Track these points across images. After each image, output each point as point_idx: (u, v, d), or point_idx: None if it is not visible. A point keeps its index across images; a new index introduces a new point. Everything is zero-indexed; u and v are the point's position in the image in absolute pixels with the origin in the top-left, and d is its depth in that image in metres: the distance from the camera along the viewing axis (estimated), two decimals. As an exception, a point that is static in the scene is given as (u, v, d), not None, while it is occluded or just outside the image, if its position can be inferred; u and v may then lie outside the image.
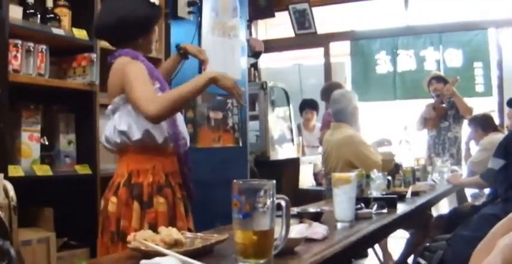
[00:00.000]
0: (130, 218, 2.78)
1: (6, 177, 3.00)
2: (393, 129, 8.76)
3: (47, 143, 3.87)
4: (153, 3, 3.01)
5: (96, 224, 3.90)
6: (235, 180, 1.64)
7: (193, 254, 1.76)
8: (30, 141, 3.68)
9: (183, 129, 3.05)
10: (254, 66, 8.66)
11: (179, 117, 3.04)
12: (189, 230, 2.78)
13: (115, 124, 2.91)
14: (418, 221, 4.55)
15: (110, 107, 3.00)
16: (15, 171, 3.45)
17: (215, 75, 2.89)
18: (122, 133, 2.88)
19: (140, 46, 3.05)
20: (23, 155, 3.64)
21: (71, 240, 3.95)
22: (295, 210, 2.70)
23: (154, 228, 2.35)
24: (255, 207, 1.60)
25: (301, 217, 2.56)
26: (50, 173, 3.71)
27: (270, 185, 1.63)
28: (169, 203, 2.87)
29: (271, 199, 1.63)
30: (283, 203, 1.69)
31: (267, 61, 9.60)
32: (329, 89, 6.72)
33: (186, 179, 3.05)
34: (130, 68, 2.84)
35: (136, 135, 2.85)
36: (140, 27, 3.02)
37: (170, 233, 1.92)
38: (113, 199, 2.84)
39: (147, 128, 2.84)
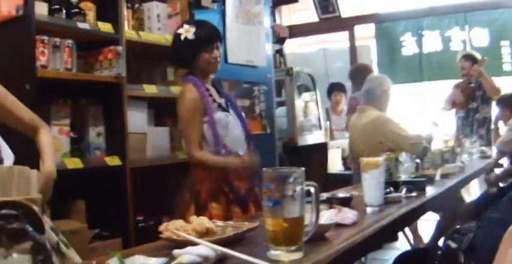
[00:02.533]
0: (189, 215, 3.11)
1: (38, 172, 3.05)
2: (421, 111, 8.68)
3: (76, 136, 3.91)
4: (185, 39, 3.46)
5: (127, 214, 3.96)
6: (264, 169, 1.66)
7: (224, 242, 1.78)
8: (60, 135, 3.72)
9: (237, 144, 3.50)
10: (279, 52, 8.64)
11: (234, 131, 3.50)
12: None
13: None
14: (447, 203, 4.53)
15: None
16: (45, 164, 3.49)
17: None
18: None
19: (198, 68, 3.51)
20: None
21: (103, 231, 3.99)
22: (324, 195, 2.71)
23: None
24: (284, 194, 1.61)
25: (330, 203, 2.56)
26: (81, 165, 3.75)
27: (299, 172, 1.64)
28: (223, 207, 3.34)
29: (301, 186, 1.64)
30: (312, 190, 1.70)
31: (292, 47, 9.58)
32: (357, 70, 6.71)
33: (236, 187, 3.45)
34: (184, 104, 3.42)
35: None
36: (185, 61, 3.54)
37: (201, 221, 1.94)
38: (185, 194, 3.43)
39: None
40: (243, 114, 3.69)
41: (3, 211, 1.43)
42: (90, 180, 3.92)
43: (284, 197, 1.62)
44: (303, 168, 1.66)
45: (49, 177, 2.34)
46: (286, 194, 1.62)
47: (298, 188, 1.63)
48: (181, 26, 3.54)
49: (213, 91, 3.55)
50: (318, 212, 1.73)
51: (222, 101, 3.56)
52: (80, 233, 3.65)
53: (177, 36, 3.51)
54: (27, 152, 2.46)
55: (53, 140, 2.54)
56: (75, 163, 3.72)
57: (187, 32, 3.47)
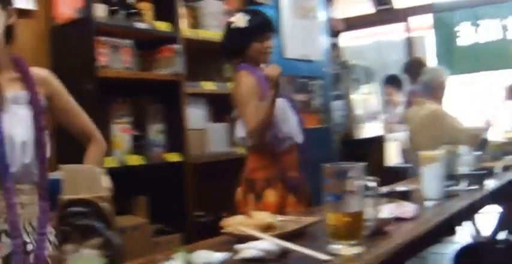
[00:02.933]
0: (248, 206, 3.25)
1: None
2: (477, 102, 8.55)
3: (137, 133, 3.99)
4: (237, 29, 3.39)
5: (187, 209, 4.02)
6: (325, 164, 1.68)
7: (286, 236, 1.78)
8: (121, 133, 3.81)
9: (293, 129, 3.39)
10: (335, 45, 8.61)
11: (290, 118, 3.38)
12: None
13: (239, 130, 3.40)
14: (510, 195, 4.48)
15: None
16: (109, 162, 3.57)
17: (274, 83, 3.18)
18: (241, 139, 3.40)
19: (251, 58, 3.42)
20: (115, 146, 3.77)
21: (164, 227, 4.06)
22: (383, 189, 2.71)
23: None
24: (345, 189, 1.63)
25: (389, 196, 2.57)
26: (142, 162, 3.83)
27: (359, 167, 1.66)
28: (278, 194, 3.28)
29: (361, 181, 1.65)
30: (372, 185, 1.72)
31: (347, 39, 9.54)
32: (411, 63, 6.66)
33: (290, 174, 3.36)
34: (241, 87, 3.31)
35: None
36: (236, 50, 3.45)
37: (263, 217, 1.97)
38: (239, 189, 3.39)
39: None
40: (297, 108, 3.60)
41: (74, 209, 1.49)
42: (151, 177, 4.00)
43: (344, 192, 1.63)
44: (362, 163, 1.68)
45: None
46: (347, 189, 1.63)
47: (358, 183, 1.64)
48: (234, 14, 3.50)
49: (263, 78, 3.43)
50: (378, 206, 1.75)
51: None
52: (142, 228, 3.74)
53: (228, 24, 3.46)
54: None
55: (101, 155, 2.55)
56: (136, 160, 3.81)
57: (240, 20, 3.41)
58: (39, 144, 2.24)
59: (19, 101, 2.25)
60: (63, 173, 1.62)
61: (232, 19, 3.44)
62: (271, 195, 3.26)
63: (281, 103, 3.32)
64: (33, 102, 2.28)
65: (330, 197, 1.65)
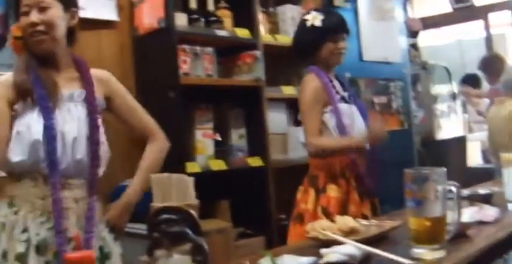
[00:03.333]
0: (307, 202, 3.22)
1: (185, 174, 3.21)
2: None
3: (219, 138, 4.05)
4: (312, 27, 3.33)
5: (270, 213, 4.06)
6: (406, 170, 1.69)
7: (369, 241, 1.80)
8: (204, 139, 3.89)
9: (362, 131, 3.31)
10: (414, 46, 8.53)
11: (358, 123, 3.33)
12: (363, 216, 3.01)
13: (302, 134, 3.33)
14: None
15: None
16: (192, 167, 3.66)
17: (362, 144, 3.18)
18: (304, 144, 3.33)
19: (321, 59, 3.36)
20: (198, 151, 3.86)
21: (247, 230, 4.11)
22: (465, 192, 2.69)
23: (326, 210, 3.10)
24: (426, 194, 1.64)
25: (471, 200, 2.55)
26: (225, 167, 3.90)
27: (441, 172, 1.65)
28: (342, 190, 3.20)
29: (442, 186, 1.65)
30: (454, 189, 1.72)
31: (426, 39, 9.43)
32: (488, 60, 6.56)
33: (359, 173, 3.29)
34: (305, 92, 3.28)
35: None
36: (308, 49, 3.37)
37: (346, 221, 1.99)
38: (300, 188, 3.34)
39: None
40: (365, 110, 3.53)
41: (165, 216, 1.55)
42: (233, 181, 4.05)
43: (426, 197, 1.64)
44: (444, 169, 1.68)
45: (125, 207, 2.45)
46: (429, 194, 1.64)
47: (439, 188, 1.64)
48: (308, 13, 3.42)
49: (336, 84, 3.41)
50: (460, 211, 1.74)
51: (346, 94, 3.41)
52: (225, 232, 3.78)
53: (303, 22, 3.39)
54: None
55: (160, 154, 2.62)
56: (219, 165, 3.87)
57: (315, 18, 3.33)
58: (92, 141, 2.32)
59: (75, 98, 2.35)
60: (153, 181, 1.69)
61: (307, 17, 3.38)
62: (333, 190, 3.20)
63: (348, 109, 3.31)
64: (88, 100, 2.36)
65: (412, 203, 1.66)
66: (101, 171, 2.43)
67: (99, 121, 2.39)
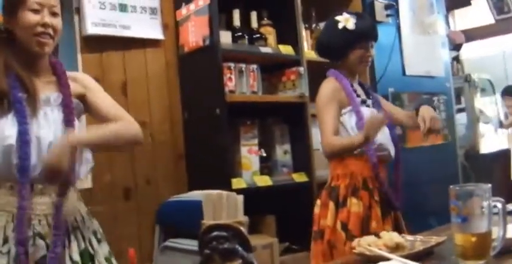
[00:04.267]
0: (326, 217, 3.06)
1: (230, 190, 3.25)
2: None
3: (264, 154, 4.08)
4: (344, 29, 3.17)
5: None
6: (451, 186, 1.70)
7: (414, 256, 1.81)
8: (249, 155, 3.92)
9: (386, 140, 3.18)
10: (456, 59, 8.49)
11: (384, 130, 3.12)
12: None
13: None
14: None
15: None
16: (238, 183, 3.71)
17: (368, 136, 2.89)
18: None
19: (348, 65, 3.24)
20: (244, 167, 3.90)
21: (292, 245, 4.13)
22: (510, 207, 2.68)
23: (346, 226, 2.92)
24: (472, 210, 1.65)
25: (517, 215, 2.53)
26: (270, 182, 3.92)
27: (485, 188, 1.67)
28: (364, 204, 3.02)
29: (488, 201, 1.67)
30: (499, 205, 1.72)
31: (469, 51, 9.37)
32: None
33: (382, 185, 3.12)
34: (321, 93, 3.16)
35: None
36: (337, 52, 3.22)
37: (392, 237, 2.01)
38: (318, 201, 3.19)
39: None
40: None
41: (215, 233, 1.59)
42: (279, 196, 4.07)
43: (471, 213, 1.66)
44: (489, 185, 1.69)
45: (63, 146, 2.15)
46: (474, 210, 1.66)
47: (485, 204, 1.66)
48: (340, 14, 3.24)
49: (358, 88, 3.28)
50: (505, 226, 1.74)
51: (370, 102, 3.28)
52: (271, 247, 3.81)
53: (334, 23, 3.20)
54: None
55: (120, 128, 2.40)
56: (264, 181, 3.91)
57: (347, 21, 3.17)
58: None
59: (51, 102, 2.29)
60: (204, 198, 1.73)
61: (339, 18, 3.20)
62: (354, 205, 3.01)
63: (370, 113, 3.14)
64: (65, 103, 2.30)
65: (457, 219, 1.67)
66: (80, 175, 2.36)
67: (76, 125, 2.33)
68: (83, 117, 2.56)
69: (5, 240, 2.14)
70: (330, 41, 3.22)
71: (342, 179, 3.10)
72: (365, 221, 2.99)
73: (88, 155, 2.38)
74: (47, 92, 2.30)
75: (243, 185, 3.73)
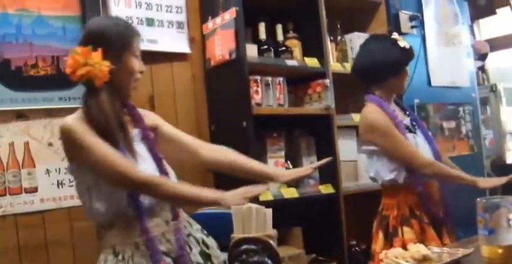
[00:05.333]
0: (376, 243, 3.28)
1: (257, 202, 3.27)
2: None
3: (291, 166, 4.09)
4: (404, 48, 3.30)
5: (341, 239, 4.08)
6: (478, 199, 1.72)
7: None
8: (276, 167, 3.93)
9: None
10: (481, 68, 8.45)
11: (421, 149, 3.31)
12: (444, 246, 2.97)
13: (375, 168, 3.37)
14: None
15: (364, 147, 3.45)
16: (265, 196, 3.69)
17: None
18: (372, 178, 3.44)
19: (392, 85, 3.36)
20: (270, 180, 3.89)
21: (319, 256, 4.14)
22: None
23: None
24: (498, 223, 1.67)
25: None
26: (296, 194, 3.93)
27: None
28: (416, 231, 3.16)
29: None
30: None
31: (494, 61, 9.33)
32: None
33: (433, 207, 3.28)
34: (377, 120, 3.28)
35: (380, 179, 3.36)
36: (391, 70, 3.31)
37: (418, 249, 2.02)
38: (374, 222, 3.37)
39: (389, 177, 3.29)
40: (430, 134, 3.52)
41: (245, 246, 1.62)
42: (305, 208, 4.08)
43: (498, 225, 1.67)
44: (515, 196, 1.71)
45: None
46: (501, 222, 1.67)
47: (511, 216, 1.68)
48: (391, 34, 3.46)
49: (397, 110, 3.43)
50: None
51: (408, 120, 3.42)
52: (297, 258, 3.81)
53: (392, 41, 3.34)
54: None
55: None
56: (291, 193, 3.91)
57: (401, 40, 3.34)
58: (161, 172, 2.41)
59: (135, 139, 2.42)
60: (233, 212, 1.75)
61: (396, 37, 3.38)
62: (406, 233, 3.17)
63: (412, 139, 3.30)
64: (146, 136, 2.46)
65: (485, 231, 1.69)
66: None
67: (160, 155, 2.47)
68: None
69: None
70: (387, 58, 3.29)
71: (391, 209, 3.28)
72: (423, 243, 3.06)
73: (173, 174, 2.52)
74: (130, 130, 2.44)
75: (270, 197, 3.74)
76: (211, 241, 2.59)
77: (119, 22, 2.48)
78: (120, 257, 2.30)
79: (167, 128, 2.68)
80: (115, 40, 2.37)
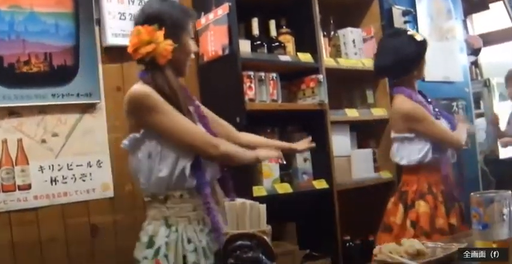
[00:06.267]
0: (396, 215, 3.51)
1: (251, 198, 3.28)
2: None
3: (284, 162, 4.08)
4: (421, 41, 3.58)
5: (335, 234, 4.08)
6: (472, 194, 1.72)
7: (435, 263, 1.85)
8: (270, 163, 3.91)
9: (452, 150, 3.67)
10: (475, 63, 8.45)
11: None
12: (450, 225, 3.37)
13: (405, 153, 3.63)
14: None
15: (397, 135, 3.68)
16: (259, 191, 3.72)
17: None
18: (397, 163, 3.74)
19: (415, 76, 3.62)
20: (264, 175, 3.90)
21: (313, 252, 4.13)
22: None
23: (415, 224, 3.40)
24: (492, 217, 1.67)
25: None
26: (290, 190, 3.92)
27: (506, 195, 1.69)
28: (430, 206, 3.45)
29: (508, 208, 1.68)
30: None
31: (487, 56, 9.33)
32: None
33: (447, 188, 3.54)
34: (412, 109, 3.54)
35: (408, 161, 3.61)
36: (412, 63, 3.56)
37: (412, 244, 2.02)
38: (391, 199, 3.66)
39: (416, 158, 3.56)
40: (453, 119, 3.79)
41: (239, 242, 1.62)
42: (299, 204, 4.08)
43: (492, 220, 1.67)
44: (509, 192, 1.71)
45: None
46: (495, 217, 1.67)
47: (505, 211, 1.67)
48: (407, 30, 3.72)
49: (422, 100, 3.66)
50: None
51: (430, 107, 3.67)
52: (291, 254, 3.83)
53: (410, 37, 3.60)
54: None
55: None
56: (285, 188, 3.91)
57: (416, 34, 3.61)
58: None
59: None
60: (227, 208, 1.75)
61: (412, 32, 3.66)
62: (422, 206, 3.44)
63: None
64: (200, 114, 2.67)
65: (478, 226, 1.69)
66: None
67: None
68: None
69: (189, 240, 2.39)
70: (408, 54, 3.55)
71: (411, 184, 3.56)
72: (432, 218, 3.41)
73: None
74: None
75: (264, 193, 3.74)
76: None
77: (175, 4, 2.64)
78: (173, 228, 2.39)
79: (207, 110, 2.83)
80: (175, 21, 2.50)
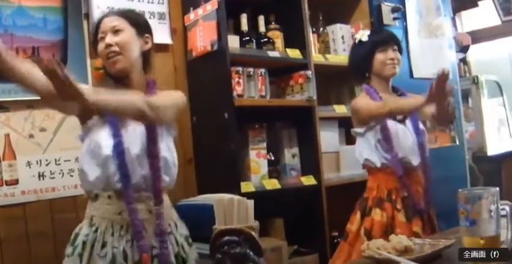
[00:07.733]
0: (353, 223, 3.45)
1: (239, 194, 3.28)
2: None
3: (273, 158, 4.10)
4: (361, 41, 3.57)
5: (323, 230, 4.08)
6: (460, 190, 1.72)
7: (423, 259, 1.85)
8: (258, 158, 3.94)
9: (408, 152, 3.43)
10: (463, 60, 8.47)
11: (403, 141, 3.43)
12: (414, 233, 3.14)
13: (359, 149, 3.56)
14: None
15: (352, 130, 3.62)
16: (246, 187, 3.71)
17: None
18: (366, 160, 3.53)
19: (375, 75, 3.57)
20: (252, 171, 3.92)
21: (301, 248, 4.16)
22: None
23: (368, 232, 3.29)
24: (480, 214, 1.67)
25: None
26: (278, 186, 3.93)
27: (494, 192, 1.69)
28: (388, 215, 3.34)
29: (496, 205, 1.69)
30: (507, 209, 1.74)
31: (476, 53, 9.35)
32: None
33: (410, 193, 3.39)
34: (362, 104, 3.47)
35: (361, 159, 3.56)
36: (363, 67, 3.58)
37: (400, 240, 2.03)
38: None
39: (367, 157, 3.49)
40: (421, 126, 3.59)
41: (227, 238, 1.62)
42: (287, 200, 4.08)
43: (480, 217, 1.68)
44: (497, 188, 1.71)
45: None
46: (482, 214, 1.68)
47: (493, 207, 1.68)
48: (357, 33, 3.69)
49: (386, 97, 3.53)
50: (513, 229, 1.78)
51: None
52: (279, 249, 3.81)
53: (353, 41, 3.69)
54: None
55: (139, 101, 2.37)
56: (273, 184, 3.92)
57: (362, 35, 3.59)
58: (150, 155, 2.43)
59: None
60: (215, 203, 1.75)
61: (356, 36, 3.65)
62: (377, 214, 3.35)
63: (392, 125, 3.41)
64: None
65: (465, 222, 1.69)
66: (166, 182, 2.52)
67: (158, 140, 2.47)
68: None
69: (103, 245, 2.36)
70: (353, 57, 3.66)
71: (371, 191, 3.48)
72: (387, 229, 3.28)
73: (175, 159, 2.58)
74: None
75: (252, 189, 3.74)
76: (192, 252, 2.61)
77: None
78: (94, 228, 2.39)
79: None
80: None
